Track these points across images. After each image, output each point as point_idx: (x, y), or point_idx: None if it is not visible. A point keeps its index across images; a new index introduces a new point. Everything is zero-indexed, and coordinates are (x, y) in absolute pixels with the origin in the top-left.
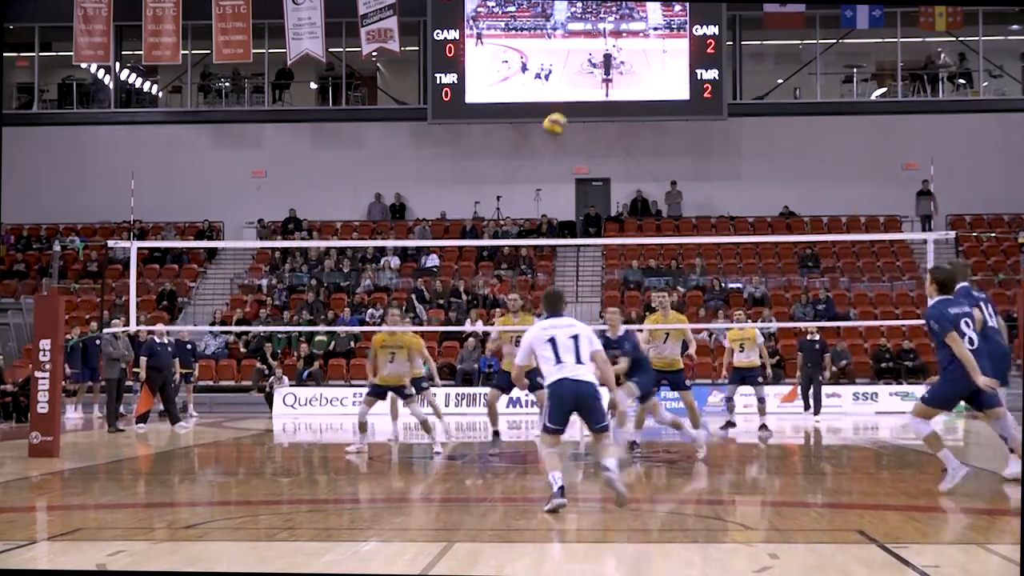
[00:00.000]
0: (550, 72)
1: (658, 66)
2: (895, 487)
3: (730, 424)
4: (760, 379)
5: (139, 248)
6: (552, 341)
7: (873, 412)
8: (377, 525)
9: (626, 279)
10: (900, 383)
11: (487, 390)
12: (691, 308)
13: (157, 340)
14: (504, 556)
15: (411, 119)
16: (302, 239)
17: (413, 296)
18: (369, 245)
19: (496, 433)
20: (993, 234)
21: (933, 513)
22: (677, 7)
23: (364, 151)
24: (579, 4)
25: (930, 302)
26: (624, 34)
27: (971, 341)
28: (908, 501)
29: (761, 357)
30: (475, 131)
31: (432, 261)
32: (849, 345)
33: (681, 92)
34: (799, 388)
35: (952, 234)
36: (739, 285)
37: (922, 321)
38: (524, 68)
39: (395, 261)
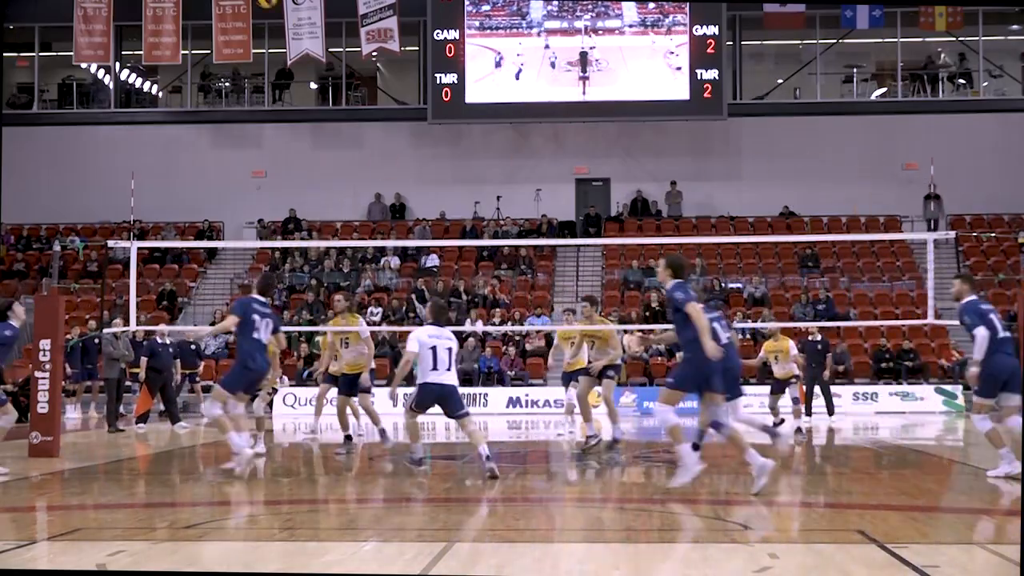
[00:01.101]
0: (520, 70)
1: (635, 63)
2: (895, 487)
3: (778, 424)
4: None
5: (139, 248)
6: (434, 350)
7: (873, 412)
8: (377, 525)
9: (626, 279)
10: (900, 383)
11: (487, 390)
12: None
13: (158, 340)
14: (504, 556)
15: (411, 119)
16: (302, 239)
17: (413, 296)
18: (369, 245)
19: (348, 437)
20: (993, 234)
21: (933, 513)
22: (651, 4)
23: (364, 151)
24: (555, 3)
25: (964, 301)
26: (600, 31)
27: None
28: (908, 501)
29: (796, 365)
30: (475, 131)
31: (432, 261)
32: (849, 345)
33: (662, 90)
34: (803, 390)
35: (952, 234)
36: (739, 285)
37: (922, 321)
38: (498, 64)
39: (395, 261)
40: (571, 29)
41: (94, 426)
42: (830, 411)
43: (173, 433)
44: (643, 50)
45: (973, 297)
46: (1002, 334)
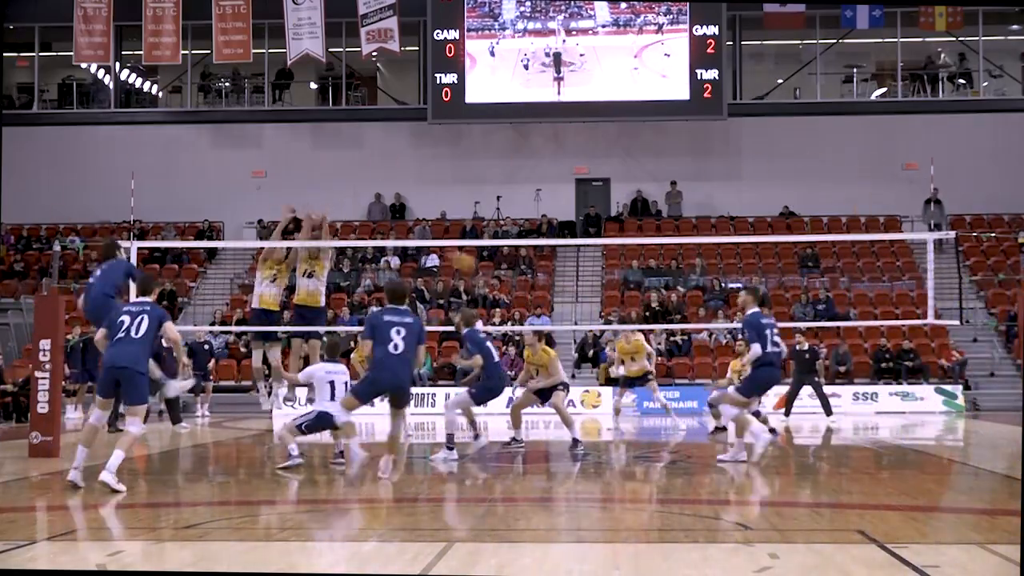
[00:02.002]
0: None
1: (608, 63)
2: (895, 487)
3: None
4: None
5: (139, 248)
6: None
7: (873, 412)
8: (377, 525)
9: (626, 279)
10: (900, 383)
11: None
12: (691, 308)
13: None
14: (504, 556)
15: (411, 119)
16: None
17: (413, 296)
18: (369, 245)
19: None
20: (993, 234)
21: (933, 513)
22: (623, 5)
23: (364, 151)
24: (527, 3)
25: (748, 313)
26: (574, 32)
27: None
28: (908, 501)
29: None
30: (475, 131)
31: (432, 261)
32: (849, 345)
33: (652, 90)
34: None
35: (952, 234)
36: (739, 285)
37: (922, 321)
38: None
39: (395, 261)
40: (544, 30)
41: None
42: (827, 412)
43: (173, 433)
44: (616, 50)
45: (755, 310)
46: (770, 348)
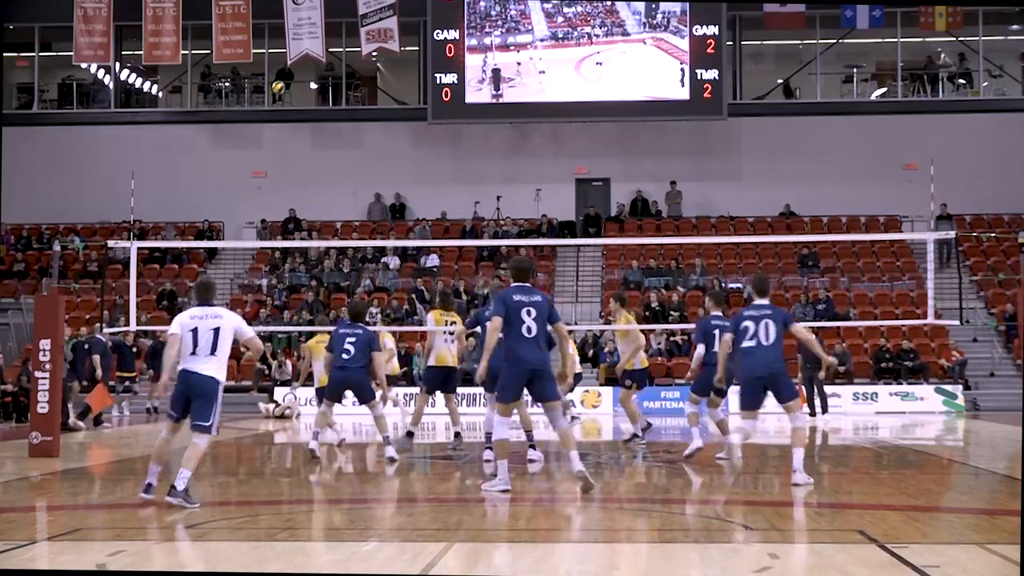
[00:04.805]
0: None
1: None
2: (895, 487)
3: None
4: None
5: (139, 248)
6: (194, 331)
7: (873, 412)
8: (377, 525)
9: (626, 279)
10: (900, 383)
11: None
12: (691, 308)
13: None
14: (504, 556)
15: (411, 119)
16: (302, 239)
17: (413, 296)
18: (369, 245)
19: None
20: (993, 234)
21: (933, 513)
22: (560, 19)
23: (364, 151)
24: (467, 18)
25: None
26: (513, 47)
27: None
28: (908, 501)
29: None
30: (475, 131)
31: (432, 261)
32: (849, 345)
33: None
34: (803, 390)
35: (952, 234)
36: (739, 285)
37: (922, 321)
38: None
39: (395, 261)
40: (481, 46)
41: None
42: (824, 409)
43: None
44: (564, 62)
45: (716, 313)
46: (715, 349)
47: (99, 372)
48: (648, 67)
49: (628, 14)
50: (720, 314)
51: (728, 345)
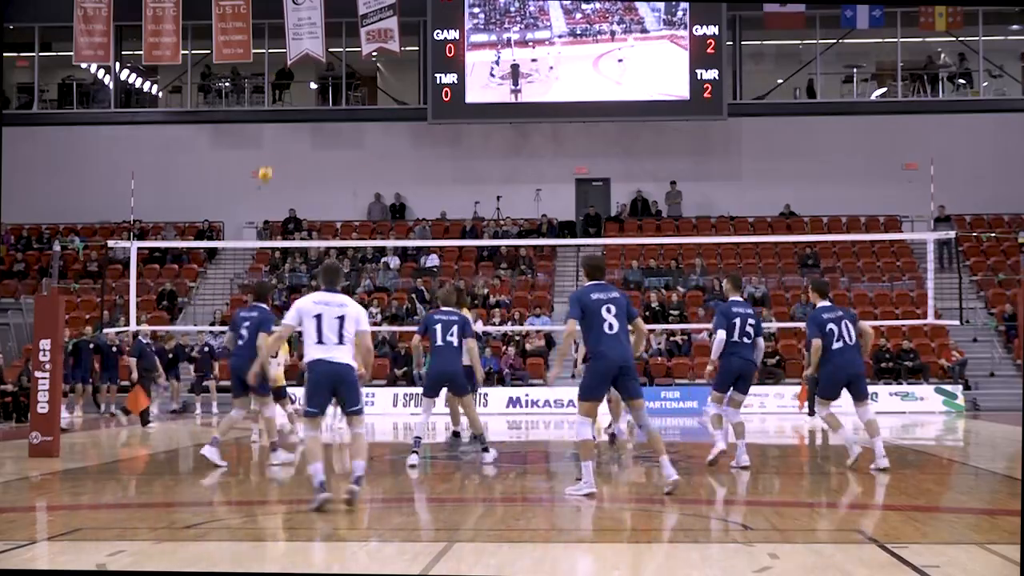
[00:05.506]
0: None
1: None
2: (895, 487)
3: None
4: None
5: (139, 248)
6: (318, 318)
7: (873, 412)
8: (377, 525)
9: (626, 279)
10: (900, 383)
11: (487, 390)
12: (691, 308)
13: (143, 340)
14: (504, 556)
15: (411, 119)
16: (302, 239)
17: (413, 296)
18: (369, 245)
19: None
20: (993, 234)
21: (933, 513)
22: (578, 15)
23: (364, 151)
24: (480, 14)
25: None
26: (531, 44)
27: None
28: (908, 501)
29: None
30: (475, 131)
31: (432, 261)
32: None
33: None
34: (805, 390)
35: (952, 234)
36: (723, 291)
37: (922, 321)
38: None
39: (395, 261)
40: (500, 42)
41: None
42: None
43: (173, 433)
44: (581, 59)
45: (735, 299)
46: (736, 339)
47: (135, 374)
48: (666, 64)
49: (648, 11)
50: (740, 299)
51: (819, 349)
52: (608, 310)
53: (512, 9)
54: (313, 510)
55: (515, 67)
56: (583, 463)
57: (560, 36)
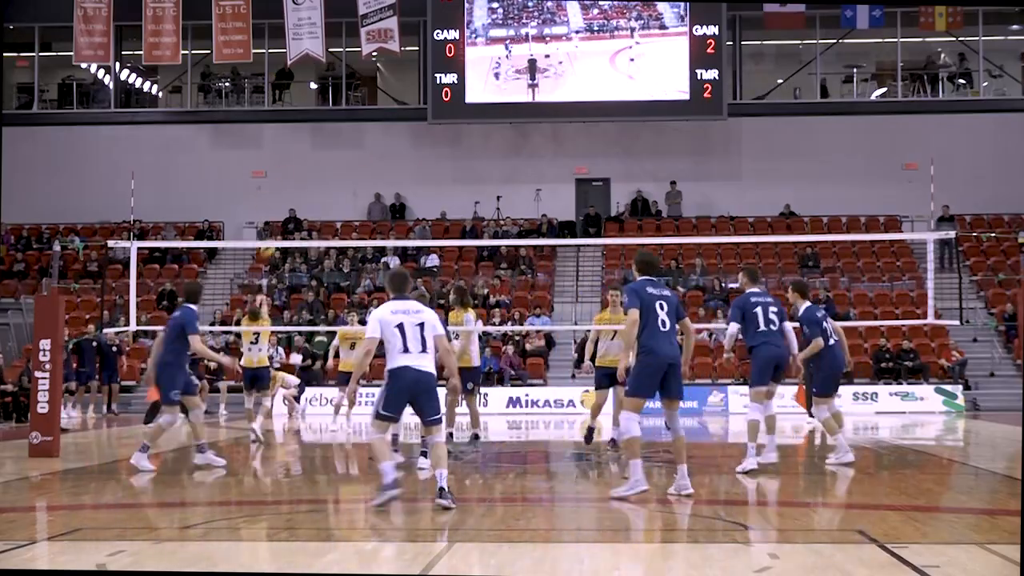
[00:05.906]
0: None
1: (583, 67)
2: (895, 487)
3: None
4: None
5: (139, 248)
6: (400, 327)
7: (873, 412)
8: (377, 525)
9: (626, 279)
10: (900, 383)
11: (487, 390)
12: (691, 308)
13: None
14: (504, 556)
15: (411, 119)
16: (302, 239)
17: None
18: (369, 245)
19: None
20: (993, 234)
21: (933, 513)
22: (595, 11)
23: (364, 151)
24: (499, 9)
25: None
26: (547, 39)
27: None
28: (908, 501)
29: None
30: (475, 131)
31: (432, 261)
32: (849, 345)
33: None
34: (803, 390)
35: (952, 234)
36: (737, 285)
37: (922, 321)
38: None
39: (395, 261)
40: (518, 37)
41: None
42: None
43: (173, 433)
44: (594, 56)
45: (753, 289)
46: (763, 328)
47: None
48: (681, 62)
49: (666, 7)
50: (758, 290)
51: (819, 346)
52: (661, 307)
53: (530, 4)
54: (376, 506)
55: (532, 62)
56: (632, 461)
57: (577, 31)
